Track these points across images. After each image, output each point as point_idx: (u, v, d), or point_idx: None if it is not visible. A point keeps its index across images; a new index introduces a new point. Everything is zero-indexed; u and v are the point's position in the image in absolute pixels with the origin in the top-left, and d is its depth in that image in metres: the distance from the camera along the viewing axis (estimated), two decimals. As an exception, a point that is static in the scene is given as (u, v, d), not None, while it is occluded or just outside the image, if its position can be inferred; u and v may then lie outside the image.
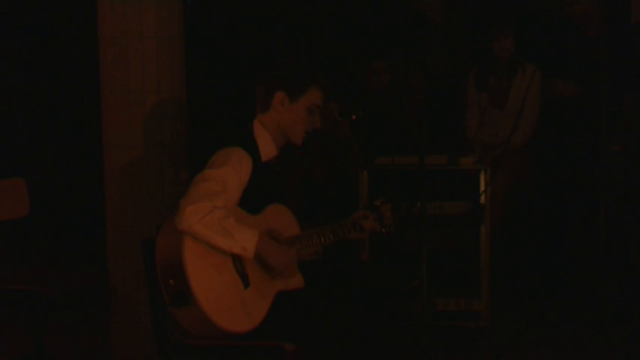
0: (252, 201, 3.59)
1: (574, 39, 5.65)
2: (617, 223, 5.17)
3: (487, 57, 5.80)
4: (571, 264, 5.57)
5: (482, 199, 4.77)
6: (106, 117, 4.43)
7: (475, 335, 4.84)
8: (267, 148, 3.71)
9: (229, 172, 3.50)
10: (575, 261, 5.55)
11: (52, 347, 4.96)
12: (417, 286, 4.16)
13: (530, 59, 5.74)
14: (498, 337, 4.89)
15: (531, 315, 5.31)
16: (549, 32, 5.87)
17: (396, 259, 4.90)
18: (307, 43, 6.92)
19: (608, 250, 5.04)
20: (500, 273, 5.22)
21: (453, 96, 6.18)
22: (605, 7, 5.20)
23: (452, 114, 6.11)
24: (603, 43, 4.92)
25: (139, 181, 4.37)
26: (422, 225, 4.09)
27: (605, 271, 5.05)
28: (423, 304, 4.11)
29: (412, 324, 4.05)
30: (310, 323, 3.53)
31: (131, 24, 4.31)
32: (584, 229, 5.45)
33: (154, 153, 4.36)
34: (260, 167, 3.64)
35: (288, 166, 3.86)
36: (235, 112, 5.38)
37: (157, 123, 4.34)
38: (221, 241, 3.42)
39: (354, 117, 5.66)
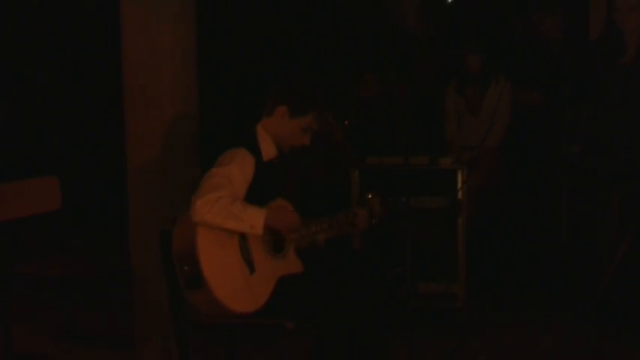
0: (256, 196, 3.60)
1: (540, 54, 5.67)
2: (577, 215, 5.19)
3: (463, 69, 5.83)
4: (537, 252, 5.58)
5: (460, 194, 4.78)
6: (128, 122, 4.43)
7: (453, 315, 4.85)
8: (268, 149, 3.72)
9: (234, 169, 3.52)
10: (541, 249, 5.56)
11: (82, 326, 4.99)
12: (402, 272, 4.18)
13: (502, 72, 5.75)
14: (474, 317, 4.91)
15: (503, 297, 5.33)
16: (518, 48, 5.89)
17: (384, 247, 4.92)
18: (308, 56, 6.93)
19: (569, 239, 5.06)
20: (476, 260, 5.24)
21: (434, 104, 6.19)
22: (567, 26, 5.22)
23: (433, 120, 6.12)
24: (565, 57, 4.95)
25: (157, 179, 4.36)
26: (407, 217, 4.11)
27: (567, 257, 5.07)
28: (407, 287, 4.14)
29: (397, 305, 4.06)
30: (308, 304, 3.55)
31: (151, 40, 4.31)
32: (549, 220, 5.46)
33: (170, 154, 4.36)
34: (262, 166, 3.65)
35: (288, 165, 3.86)
36: (241, 118, 5.39)
37: (173, 128, 4.34)
38: (232, 224, 3.45)
39: (347, 122, 5.67)
